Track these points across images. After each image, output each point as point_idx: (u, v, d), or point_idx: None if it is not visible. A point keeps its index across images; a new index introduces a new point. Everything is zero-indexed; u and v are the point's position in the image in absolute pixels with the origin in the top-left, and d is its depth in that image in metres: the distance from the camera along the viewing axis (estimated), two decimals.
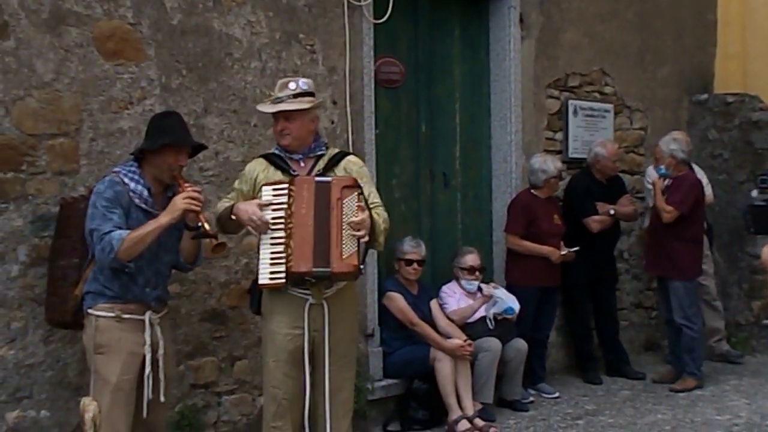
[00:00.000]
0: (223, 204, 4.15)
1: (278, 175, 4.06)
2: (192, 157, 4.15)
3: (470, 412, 5.72)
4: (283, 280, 3.87)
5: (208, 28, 5.01)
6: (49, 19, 4.40)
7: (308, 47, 5.47)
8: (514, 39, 6.73)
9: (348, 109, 5.65)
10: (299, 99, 4.07)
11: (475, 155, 6.81)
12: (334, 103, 5.61)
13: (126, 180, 3.84)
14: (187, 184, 3.86)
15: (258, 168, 4.14)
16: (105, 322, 3.83)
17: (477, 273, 6.18)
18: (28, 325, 4.33)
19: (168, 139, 3.86)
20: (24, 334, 4.33)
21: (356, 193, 3.97)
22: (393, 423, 5.82)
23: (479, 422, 5.70)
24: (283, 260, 3.85)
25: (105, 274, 3.82)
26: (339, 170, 4.12)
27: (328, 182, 3.95)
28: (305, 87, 4.12)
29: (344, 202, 3.92)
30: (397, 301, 5.79)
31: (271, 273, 3.88)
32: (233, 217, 3.99)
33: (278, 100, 4.09)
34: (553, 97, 7.13)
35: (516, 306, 6.12)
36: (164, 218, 3.75)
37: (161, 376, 3.88)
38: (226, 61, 5.10)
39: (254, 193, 4.10)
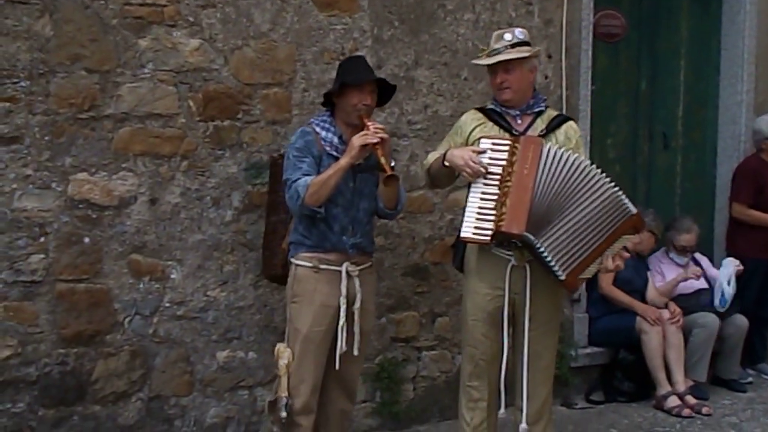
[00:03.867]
0: (433, 156, 4.01)
1: (495, 131, 3.90)
2: (385, 102, 4.03)
3: (681, 388, 5.42)
4: (488, 238, 3.72)
5: None
6: None
7: None
8: None
9: (563, 64, 5.41)
10: (517, 49, 3.89)
11: (699, 115, 6.37)
12: (549, 57, 5.39)
13: (317, 129, 3.82)
14: (369, 122, 3.76)
15: (474, 121, 3.98)
16: (303, 272, 3.84)
17: (687, 253, 5.88)
18: (239, 269, 4.50)
19: (347, 79, 3.79)
20: (236, 278, 4.50)
21: (630, 236, 3.83)
22: (596, 392, 5.62)
23: (690, 400, 5.39)
24: (492, 217, 3.69)
25: (303, 224, 3.83)
26: (560, 134, 3.90)
27: (630, 213, 3.73)
28: (521, 36, 3.92)
29: (622, 237, 3.76)
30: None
31: (476, 228, 3.73)
32: (446, 163, 3.84)
33: (495, 52, 3.89)
34: None
35: (723, 298, 5.68)
36: (344, 159, 3.69)
37: (356, 329, 3.83)
38: (439, 13, 5.00)
39: (467, 146, 3.93)
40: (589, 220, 3.69)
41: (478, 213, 3.73)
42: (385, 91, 3.96)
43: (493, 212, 3.69)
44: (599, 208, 3.69)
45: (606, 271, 3.83)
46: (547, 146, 3.71)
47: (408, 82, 4.91)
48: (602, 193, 3.70)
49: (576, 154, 3.75)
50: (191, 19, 4.31)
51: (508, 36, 3.90)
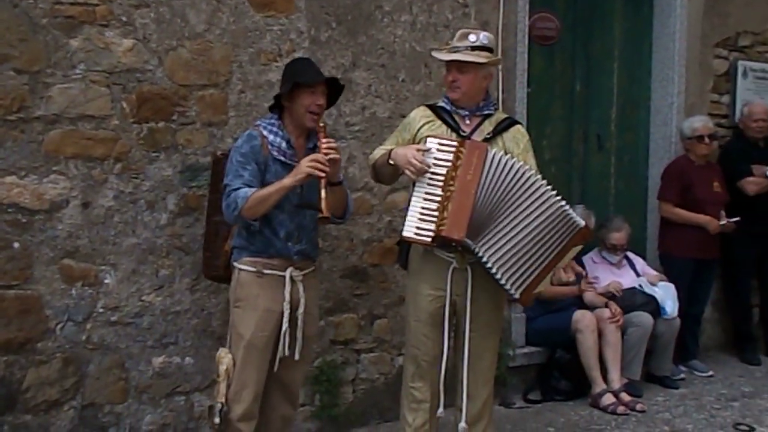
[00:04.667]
0: (380, 151, 4.01)
1: (442, 130, 3.90)
2: (333, 102, 3.97)
3: (616, 385, 5.49)
4: (429, 239, 3.73)
5: None
6: None
7: (460, 1, 5.28)
8: None
9: (499, 66, 5.42)
10: (476, 52, 3.88)
11: (632, 117, 6.48)
12: None
13: (265, 132, 3.75)
14: (324, 141, 3.69)
15: (422, 119, 3.98)
16: (246, 277, 3.78)
17: (619, 252, 5.96)
18: (175, 273, 4.42)
19: (299, 79, 3.72)
20: (171, 282, 4.42)
21: (580, 247, 3.88)
22: (534, 392, 5.67)
23: (625, 397, 5.47)
24: (434, 219, 3.70)
25: (247, 229, 3.77)
26: (507, 137, 3.93)
27: (579, 227, 3.76)
28: (485, 41, 3.93)
29: (572, 249, 3.81)
30: None
31: (418, 228, 3.74)
32: (390, 162, 3.84)
33: (454, 50, 3.91)
34: (721, 57, 6.68)
35: (670, 308, 5.79)
36: (288, 180, 3.63)
37: (298, 335, 3.79)
38: (376, 14, 4.99)
39: (414, 143, 3.93)
40: (536, 236, 3.71)
41: (421, 213, 3.74)
42: (332, 93, 3.91)
43: (435, 214, 3.70)
44: (546, 223, 3.72)
45: (559, 282, 3.89)
46: (492, 152, 3.73)
47: (346, 83, 4.81)
48: (548, 207, 3.73)
49: (521, 163, 3.76)
50: (124, 18, 4.22)
51: (472, 37, 3.91)
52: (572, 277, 3.91)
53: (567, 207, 3.77)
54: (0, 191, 3.99)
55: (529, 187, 3.73)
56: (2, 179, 3.99)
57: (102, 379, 4.27)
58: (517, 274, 3.73)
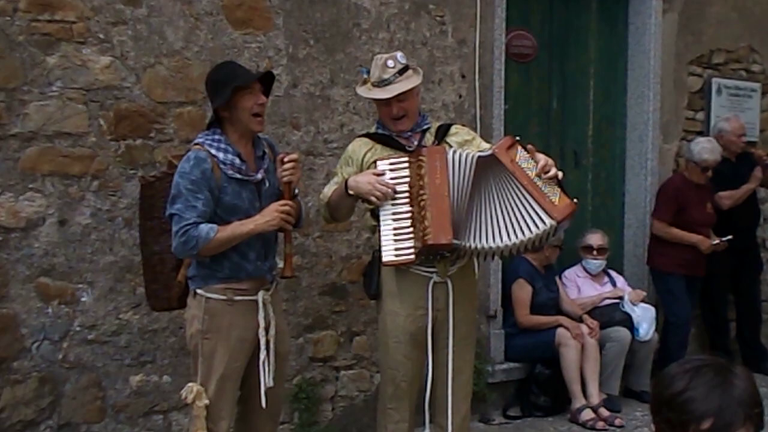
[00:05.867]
0: (331, 187, 3.91)
1: (387, 152, 3.84)
2: (268, 94, 3.62)
3: (595, 401, 5.50)
4: (412, 257, 3.66)
5: None
6: None
7: (438, 18, 5.32)
8: (656, 12, 6.38)
9: (477, 84, 5.48)
10: (405, 75, 3.83)
11: (608, 134, 6.53)
12: (463, 76, 5.45)
13: (213, 151, 3.43)
14: (286, 167, 3.53)
15: (363, 146, 3.91)
16: (215, 305, 3.48)
17: (595, 252, 5.96)
18: None
19: (237, 82, 3.43)
20: None
21: (519, 146, 3.74)
22: (513, 408, 5.66)
23: (604, 412, 5.47)
24: (410, 235, 3.64)
25: (212, 257, 3.46)
26: (451, 141, 3.90)
27: (491, 155, 3.67)
28: (403, 61, 3.86)
29: (517, 161, 3.69)
30: (521, 292, 5.64)
31: (396, 250, 3.66)
32: (350, 192, 3.74)
33: (386, 83, 3.80)
34: (696, 74, 6.73)
35: (644, 331, 5.80)
36: (259, 227, 3.44)
37: (271, 359, 3.57)
38: (354, 32, 5.01)
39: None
40: (496, 194, 3.68)
41: (395, 235, 3.67)
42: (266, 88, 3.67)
43: (411, 230, 3.65)
44: (490, 179, 3.69)
45: (548, 173, 3.71)
46: (450, 151, 3.72)
47: (324, 100, 4.91)
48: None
49: (479, 153, 3.74)
50: (102, 36, 4.22)
51: (390, 63, 3.82)
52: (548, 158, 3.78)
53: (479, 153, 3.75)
54: None
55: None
56: None
57: (78, 398, 4.23)
58: (522, 218, 3.65)
